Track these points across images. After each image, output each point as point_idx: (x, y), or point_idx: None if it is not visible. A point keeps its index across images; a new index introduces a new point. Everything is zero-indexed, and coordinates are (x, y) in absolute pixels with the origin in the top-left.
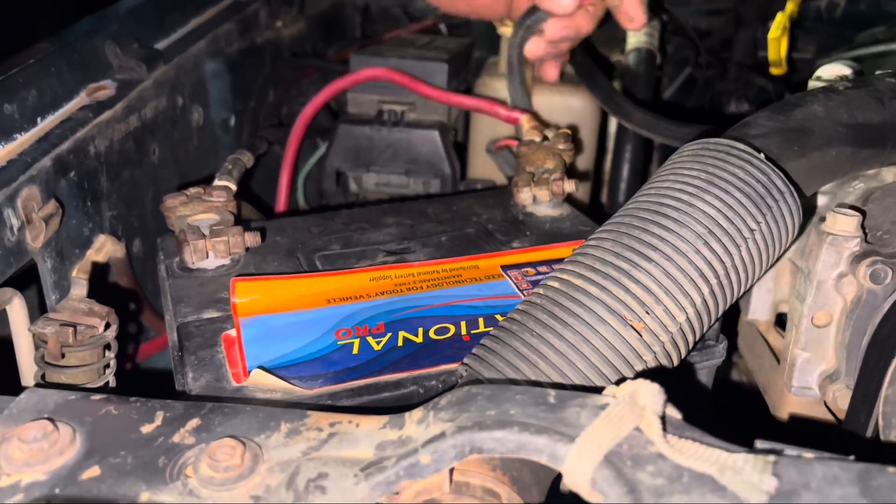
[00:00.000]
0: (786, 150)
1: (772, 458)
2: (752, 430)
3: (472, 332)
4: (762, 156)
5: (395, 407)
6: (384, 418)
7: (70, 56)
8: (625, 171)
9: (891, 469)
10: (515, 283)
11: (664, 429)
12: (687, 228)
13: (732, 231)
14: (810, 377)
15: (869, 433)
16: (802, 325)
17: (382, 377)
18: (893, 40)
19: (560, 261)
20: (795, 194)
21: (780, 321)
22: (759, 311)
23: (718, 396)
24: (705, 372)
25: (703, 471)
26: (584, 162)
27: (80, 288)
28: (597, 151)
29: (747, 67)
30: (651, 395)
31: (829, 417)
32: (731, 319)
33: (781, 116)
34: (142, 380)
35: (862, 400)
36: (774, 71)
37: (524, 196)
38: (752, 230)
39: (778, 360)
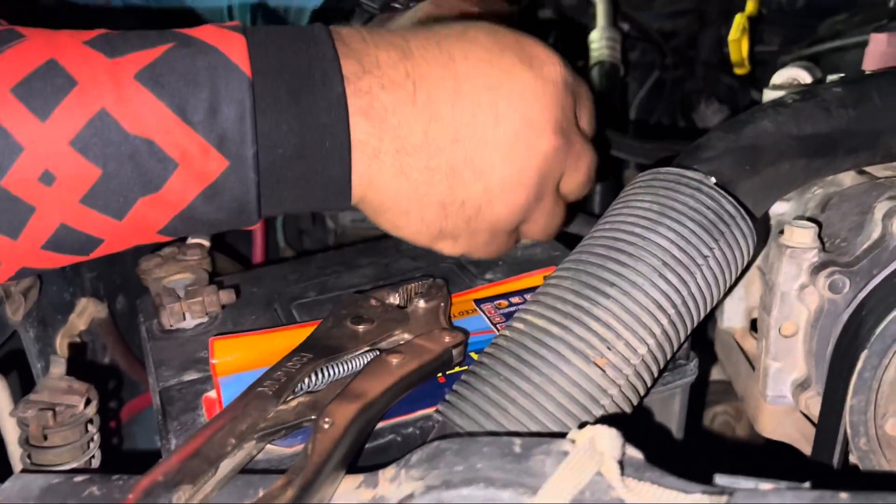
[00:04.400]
0: (738, 170)
1: (724, 498)
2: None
3: (448, 372)
4: (712, 181)
5: (374, 463)
6: (360, 478)
7: None
8: (597, 186)
9: (843, 494)
10: (489, 318)
11: (623, 472)
12: (642, 262)
13: (686, 260)
14: (783, 386)
15: (839, 440)
16: (771, 335)
17: None
18: (850, 32)
19: (533, 289)
20: (746, 216)
21: (756, 326)
22: (733, 318)
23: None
24: (679, 391)
25: None
26: None
27: (58, 366)
28: None
29: (714, 66)
30: (609, 440)
31: (806, 424)
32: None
33: (732, 136)
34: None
35: (830, 408)
36: (738, 71)
37: None
38: (705, 257)
39: (753, 368)
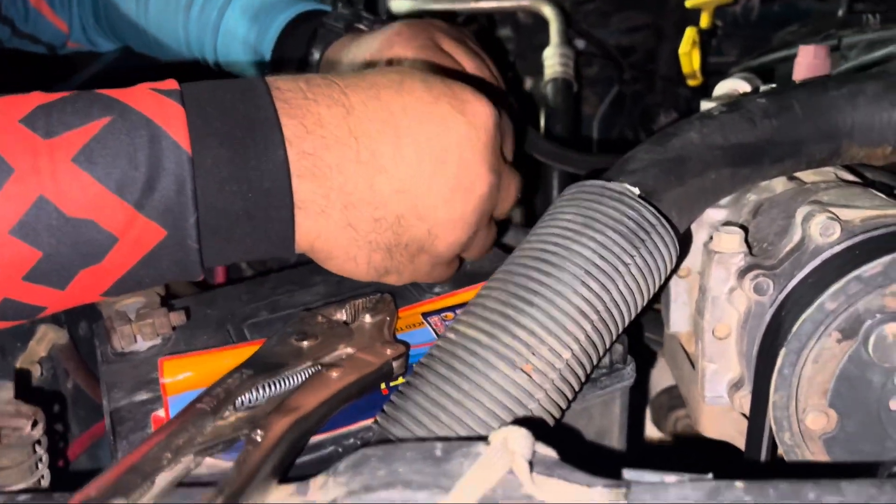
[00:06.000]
0: (663, 181)
1: (623, 489)
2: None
3: (392, 384)
4: (635, 191)
5: (315, 471)
6: (291, 487)
7: None
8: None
9: (738, 483)
10: (435, 330)
11: (533, 470)
12: (565, 271)
13: (607, 268)
14: (719, 386)
15: (765, 436)
16: (706, 338)
17: None
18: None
19: None
20: (667, 225)
21: None
22: (678, 323)
23: None
24: (618, 394)
25: None
26: None
27: (6, 391)
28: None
29: (672, 79)
30: (519, 439)
31: (743, 422)
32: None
33: (659, 148)
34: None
35: (757, 406)
36: (691, 83)
37: None
38: (626, 264)
39: (695, 369)
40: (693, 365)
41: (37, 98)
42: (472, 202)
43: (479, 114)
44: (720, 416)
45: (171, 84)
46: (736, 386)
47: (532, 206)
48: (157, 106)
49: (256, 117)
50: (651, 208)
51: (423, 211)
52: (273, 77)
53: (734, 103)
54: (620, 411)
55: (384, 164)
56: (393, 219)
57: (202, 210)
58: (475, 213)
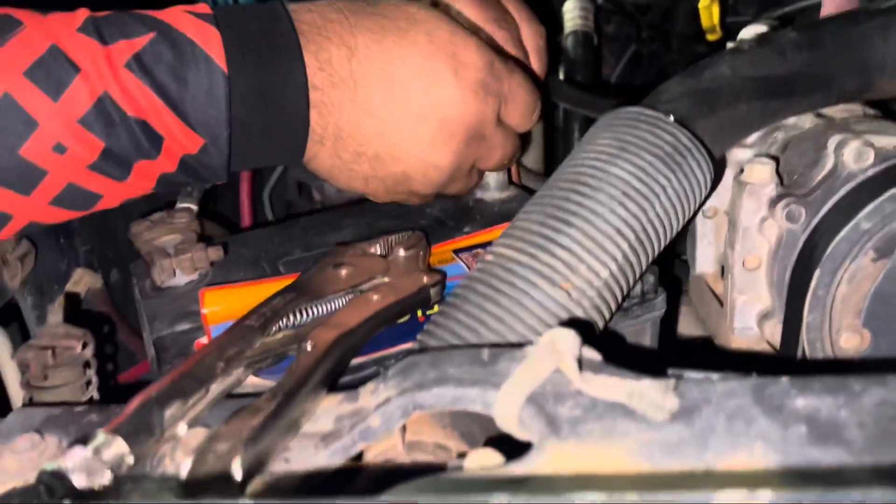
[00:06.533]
0: (696, 111)
1: (673, 381)
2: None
3: (427, 312)
4: (670, 118)
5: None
6: (341, 395)
7: None
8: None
9: (783, 379)
10: (467, 265)
11: (581, 368)
12: (602, 192)
13: (644, 190)
14: (749, 318)
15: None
16: (735, 270)
17: None
18: None
19: None
20: (702, 149)
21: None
22: (704, 264)
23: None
24: (649, 324)
25: (614, 399)
26: (535, 147)
27: (56, 315)
28: (545, 136)
29: (689, 37)
30: (567, 339)
31: (771, 352)
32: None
33: (691, 80)
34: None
35: (789, 331)
36: (710, 37)
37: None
38: (663, 186)
39: (722, 306)
40: (721, 303)
41: (86, 12)
42: (447, 158)
43: (472, 74)
44: (749, 346)
45: (205, 8)
46: (766, 316)
47: (554, 155)
48: (196, 28)
49: (281, 45)
50: (687, 132)
51: (399, 155)
52: (291, 6)
53: (765, 38)
54: (651, 342)
55: (373, 109)
56: (372, 155)
57: (233, 126)
58: (449, 167)
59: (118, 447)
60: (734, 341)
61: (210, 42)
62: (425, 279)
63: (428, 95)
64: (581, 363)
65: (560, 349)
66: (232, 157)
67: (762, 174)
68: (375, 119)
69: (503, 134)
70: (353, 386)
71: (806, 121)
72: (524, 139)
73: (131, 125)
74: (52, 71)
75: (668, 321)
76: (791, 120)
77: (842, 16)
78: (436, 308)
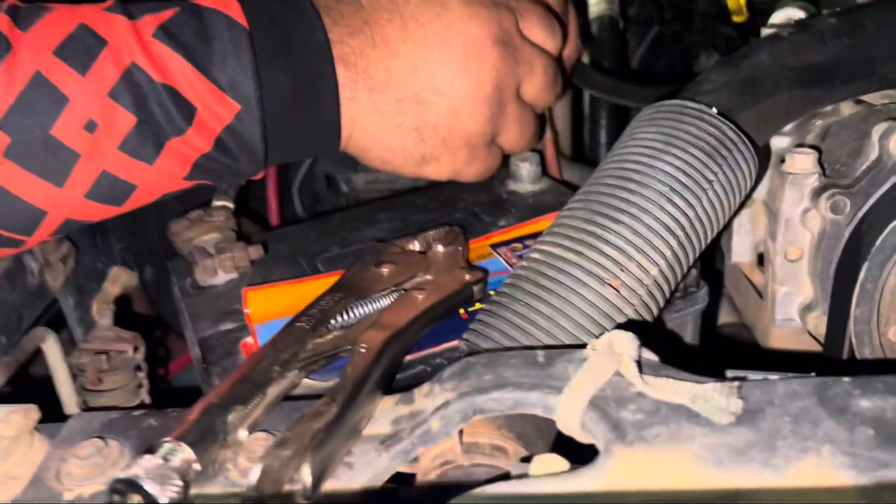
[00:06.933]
0: (738, 102)
1: (737, 383)
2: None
3: (469, 309)
4: (714, 111)
5: (407, 386)
6: (395, 397)
7: None
8: (602, 136)
9: (845, 379)
10: (505, 260)
11: (641, 370)
12: (649, 188)
13: (692, 185)
14: (791, 309)
15: (845, 354)
16: (777, 261)
17: None
18: None
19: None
20: (748, 142)
21: (763, 261)
22: (741, 253)
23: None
24: (691, 317)
25: (677, 402)
26: (562, 133)
27: (105, 318)
28: (572, 122)
29: (712, 17)
30: (626, 342)
31: (814, 344)
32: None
33: (731, 70)
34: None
35: (835, 324)
36: (737, 18)
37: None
38: (710, 181)
39: (761, 297)
40: (758, 292)
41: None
42: (486, 73)
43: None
44: (791, 338)
45: None
46: (808, 308)
47: (581, 142)
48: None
49: (299, 5)
50: (732, 126)
51: (439, 86)
52: None
53: (803, 24)
54: (692, 335)
55: (395, 48)
56: (412, 97)
57: (263, 87)
58: (491, 85)
59: (185, 454)
60: (775, 332)
61: (230, 7)
62: (467, 276)
63: (442, 19)
64: (640, 365)
65: (619, 351)
66: (268, 132)
67: (804, 164)
68: (401, 58)
69: (532, 47)
70: (401, 385)
71: (846, 107)
72: (542, 127)
73: (161, 94)
74: (80, 46)
75: (710, 313)
76: (830, 106)
77: (881, 1)
78: (478, 305)
